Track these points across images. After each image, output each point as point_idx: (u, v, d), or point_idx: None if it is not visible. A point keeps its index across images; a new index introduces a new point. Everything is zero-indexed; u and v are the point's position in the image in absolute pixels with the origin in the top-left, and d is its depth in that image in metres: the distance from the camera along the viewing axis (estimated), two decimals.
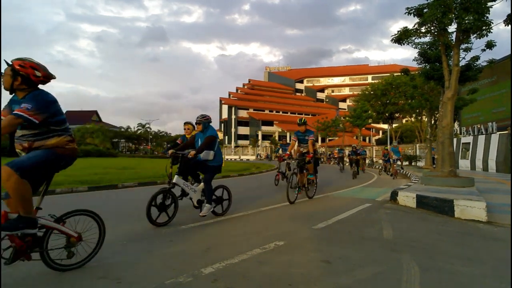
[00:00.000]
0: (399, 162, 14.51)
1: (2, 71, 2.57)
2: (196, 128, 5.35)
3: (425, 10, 8.07)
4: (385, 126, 49.58)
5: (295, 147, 7.77)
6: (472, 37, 8.62)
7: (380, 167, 15.36)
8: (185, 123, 6.27)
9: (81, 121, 62.01)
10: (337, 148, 32.80)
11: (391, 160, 14.72)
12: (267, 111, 74.30)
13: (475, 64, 11.85)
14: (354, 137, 51.44)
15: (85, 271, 2.83)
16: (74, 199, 7.30)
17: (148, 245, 3.65)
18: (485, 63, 11.66)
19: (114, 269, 2.88)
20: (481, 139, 18.89)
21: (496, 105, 20.07)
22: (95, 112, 77.96)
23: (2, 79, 2.55)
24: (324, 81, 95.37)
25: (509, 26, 7.59)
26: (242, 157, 54.00)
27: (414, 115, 36.42)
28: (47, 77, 2.64)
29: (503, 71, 18.74)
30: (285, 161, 7.62)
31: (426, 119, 23.90)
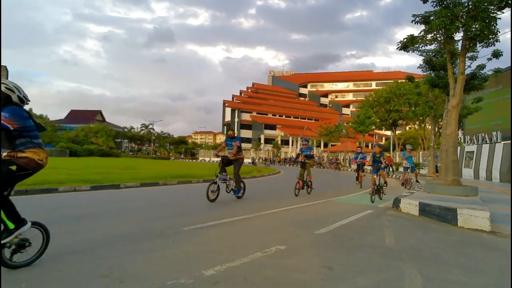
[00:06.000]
0: (412, 175, 12.27)
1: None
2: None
3: (431, 18, 8.07)
4: (388, 133, 49.42)
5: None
6: (478, 45, 8.60)
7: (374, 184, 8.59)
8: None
9: (85, 120, 62.36)
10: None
11: (402, 168, 12.63)
12: (270, 115, 74.37)
13: (480, 73, 11.81)
14: (357, 143, 51.30)
15: (88, 270, 2.84)
16: (77, 198, 7.33)
17: (150, 245, 3.66)
18: (490, 72, 11.62)
19: (117, 268, 2.89)
20: (485, 148, 18.77)
21: (500, 115, 19.95)
22: (99, 112, 78.39)
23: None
24: (328, 86, 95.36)
25: None
26: (244, 160, 53.91)
27: (417, 122, 36.36)
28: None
29: (509, 80, 18.65)
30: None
31: (429, 127, 23.82)
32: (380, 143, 8.77)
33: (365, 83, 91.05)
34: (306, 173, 9.16)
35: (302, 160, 9.11)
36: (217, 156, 7.86)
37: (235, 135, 7.93)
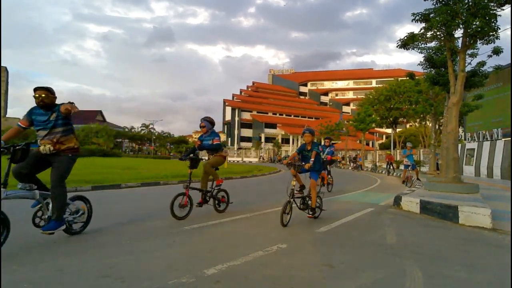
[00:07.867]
0: (412, 173, 12.25)
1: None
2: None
3: (431, 16, 8.05)
4: (389, 131, 49.37)
5: None
6: (479, 42, 8.58)
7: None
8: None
9: (85, 120, 62.33)
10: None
11: (403, 166, 12.59)
12: (270, 114, 74.32)
13: (481, 70, 11.77)
14: (358, 141, 51.32)
15: (89, 269, 2.84)
16: None
17: (151, 245, 3.66)
18: (491, 69, 11.59)
19: (118, 268, 2.89)
20: (486, 145, 18.76)
21: (501, 112, 19.91)
22: (100, 112, 78.37)
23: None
24: (328, 85, 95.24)
25: None
26: (244, 159, 54.00)
27: (418, 120, 36.33)
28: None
29: (509, 77, 18.60)
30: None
31: (430, 125, 23.80)
32: (312, 128, 5.58)
33: (366, 81, 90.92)
34: (211, 178, 5.59)
35: (194, 156, 5.40)
36: (3, 150, 3.36)
37: (56, 103, 3.72)
